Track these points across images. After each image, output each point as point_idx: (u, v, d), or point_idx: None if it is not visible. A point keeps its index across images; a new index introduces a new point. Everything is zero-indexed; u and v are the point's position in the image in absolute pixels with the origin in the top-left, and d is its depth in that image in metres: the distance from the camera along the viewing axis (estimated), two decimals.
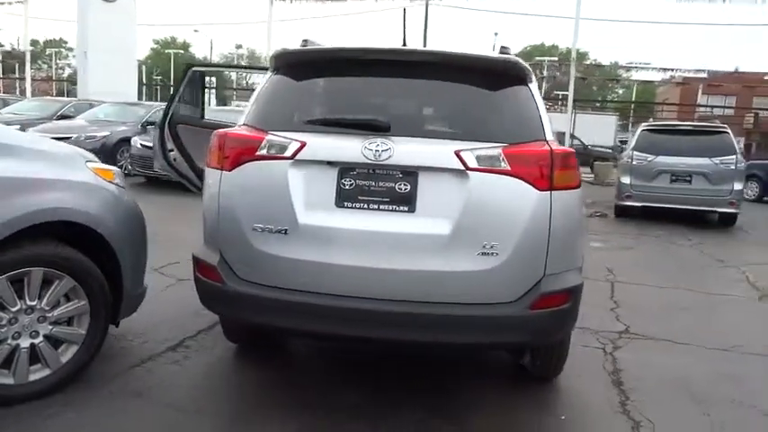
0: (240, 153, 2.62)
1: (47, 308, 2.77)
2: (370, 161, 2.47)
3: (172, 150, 4.15)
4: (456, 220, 2.42)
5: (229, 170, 2.64)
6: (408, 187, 2.48)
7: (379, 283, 2.47)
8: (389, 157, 2.45)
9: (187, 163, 4.15)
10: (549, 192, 2.46)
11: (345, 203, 2.51)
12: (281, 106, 2.81)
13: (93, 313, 2.90)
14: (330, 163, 2.54)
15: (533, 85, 2.72)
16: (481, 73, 2.67)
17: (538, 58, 42.24)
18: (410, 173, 2.49)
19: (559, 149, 2.51)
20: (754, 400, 3.17)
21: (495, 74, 2.67)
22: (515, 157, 2.44)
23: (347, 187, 2.52)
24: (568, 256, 2.58)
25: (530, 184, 2.44)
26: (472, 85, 2.67)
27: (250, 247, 2.58)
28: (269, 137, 2.59)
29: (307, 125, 2.65)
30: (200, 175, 4.11)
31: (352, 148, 2.50)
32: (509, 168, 2.43)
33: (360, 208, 2.50)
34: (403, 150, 2.46)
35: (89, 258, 2.86)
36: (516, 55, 2.78)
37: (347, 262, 2.47)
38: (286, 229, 2.52)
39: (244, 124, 2.78)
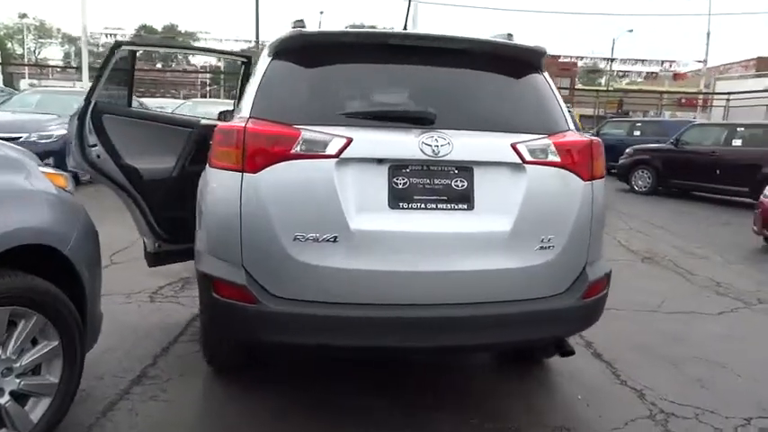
0: (271, 152, 2.25)
1: (13, 357, 2.16)
2: (427, 157, 2.28)
3: (94, 146, 3.46)
4: (515, 216, 2.34)
5: (255, 172, 2.26)
6: (465, 184, 2.34)
7: (442, 287, 2.31)
8: (449, 152, 2.29)
9: (113, 161, 3.49)
10: (591, 182, 2.49)
11: (401, 204, 2.29)
12: (302, 96, 2.46)
13: (67, 355, 2.32)
14: (380, 161, 2.30)
15: (546, 74, 2.72)
16: (513, 62, 2.59)
17: None
18: (465, 168, 2.34)
19: (595, 140, 2.55)
20: (712, 356, 3.59)
21: (526, 63, 2.61)
22: (564, 149, 2.43)
23: (400, 186, 2.30)
24: (600, 244, 2.65)
25: (576, 174, 2.45)
26: (506, 75, 2.59)
27: (290, 260, 2.24)
28: (306, 133, 2.26)
29: (342, 118, 2.35)
30: (130, 174, 3.50)
31: (406, 143, 2.29)
32: (559, 160, 2.41)
33: (416, 208, 2.30)
34: (459, 144, 2.30)
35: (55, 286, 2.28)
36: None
37: (407, 268, 2.27)
38: (335, 237, 2.24)
39: (252, 117, 2.38)
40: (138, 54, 3.77)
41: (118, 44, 3.36)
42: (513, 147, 2.36)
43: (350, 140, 2.24)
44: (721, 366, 3.45)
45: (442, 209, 2.32)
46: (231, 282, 2.29)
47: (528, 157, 2.36)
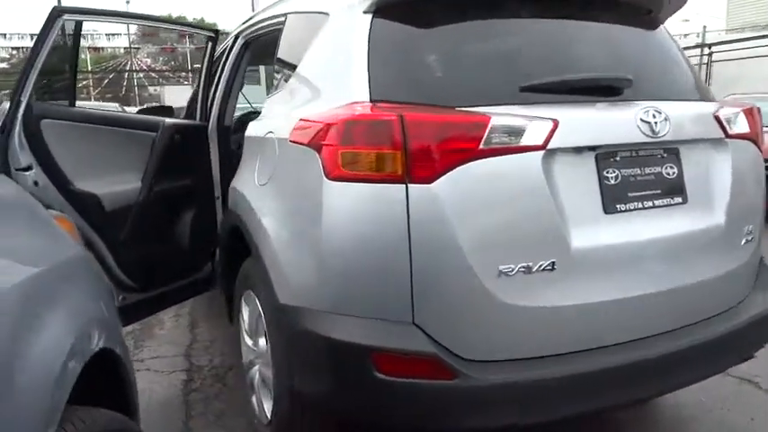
0: (452, 149, 1.50)
1: None
2: (646, 138, 1.69)
3: (28, 169, 2.30)
4: (726, 205, 1.85)
5: (428, 182, 1.49)
6: (675, 170, 1.79)
7: (675, 309, 1.75)
8: (667, 130, 1.72)
9: (59, 188, 2.38)
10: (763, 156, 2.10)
11: (617, 206, 1.68)
12: (439, 66, 1.71)
13: None
14: (591, 149, 1.66)
15: None
16: (651, 14, 2.07)
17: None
18: (672, 150, 1.79)
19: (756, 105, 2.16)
20: None
21: (656, 14, 2.10)
22: (748, 118, 1.99)
23: (612, 182, 1.68)
24: None
25: (758, 147, 2.04)
26: (653, 30, 2.06)
27: (494, 306, 1.53)
28: (497, 117, 1.54)
29: (510, 92, 1.66)
30: (85, 205, 2.43)
31: (621, 122, 1.67)
32: (748, 131, 1.97)
33: (633, 209, 1.70)
34: (672, 119, 1.75)
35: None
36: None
37: (635, 291, 1.68)
38: (553, 263, 1.56)
39: (376, 101, 1.61)
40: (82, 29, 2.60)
41: (59, 11, 2.22)
42: (716, 117, 1.86)
43: (556, 123, 1.57)
44: None
45: (659, 206, 1.75)
46: (409, 351, 1.50)
47: (730, 130, 1.89)
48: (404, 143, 1.49)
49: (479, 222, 1.52)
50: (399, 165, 1.49)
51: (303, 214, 1.70)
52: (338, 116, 1.60)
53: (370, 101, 1.62)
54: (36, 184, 2.31)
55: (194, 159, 2.94)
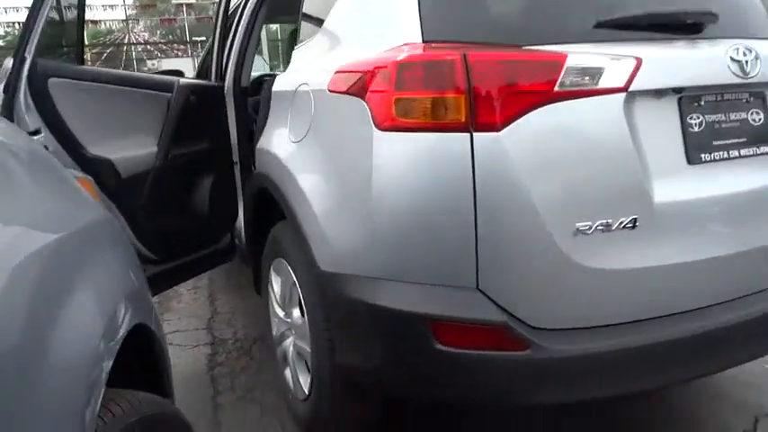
0: (523, 91, 1.32)
1: None
2: (737, 79, 1.50)
3: (36, 133, 2.12)
4: None
5: (496, 129, 1.31)
6: (761, 116, 1.60)
7: (760, 270, 1.59)
8: (758, 69, 1.52)
9: (71, 153, 2.20)
10: None
11: (701, 155, 1.49)
12: (498, 2, 1.52)
13: None
14: (675, 91, 1.47)
15: None
16: None
17: None
18: (758, 94, 1.60)
19: None
20: None
21: None
22: None
23: (696, 128, 1.50)
24: None
25: None
26: None
27: (570, 269, 1.36)
28: (573, 56, 1.35)
29: (584, 30, 1.46)
30: (100, 172, 2.26)
31: (709, 61, 1.48)
32: None
33: (718, 159, 1.52)
34: (761, 58, 1.55)
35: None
36: None
37: (727, 250, 1.51)
38: (635, 219, 1.39)
39: (427, 41, 1.41)
40: None
41: None
42: None
43: (639, 62, 1.38)
44: None
45: (745, 156, 1.56)
46: (475, 320, 1.34)
47: None
48: (468, 86, 1.31)
49: (554, 174, 1.34)
50: (463, 111, 1.31)
51: (349, 171, 1.52)
52: (389, 59, 1.41)
53: (423, 41, 1.43)
54: (46, 149, 2.13)
55: (211, 122, 2.75)
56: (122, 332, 0.91)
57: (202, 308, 3.23)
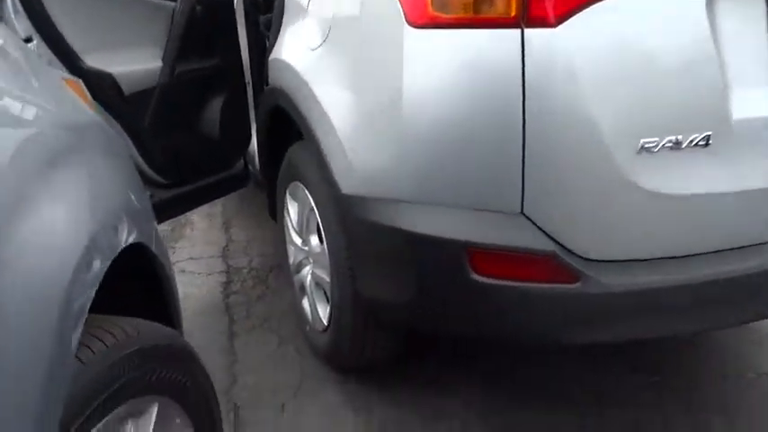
0: None
1: None
2: None
3: (28, 41, 1.93)
4: None
5: (552, 25, 1.11)
6: None
7: None
8: None
9: (67, 65, 2.02)
10: None
11: None
12: None
13: None
14: None
15: None
16: None
17: None
18: None
19: None
20: None
21: None
22: None
23: None
24: None
25: None
26: None
27: (630, 191, 1.18)
28: None
29: None
30: (100, 87, 2.08)
31: None
32: None
33: None
34: None
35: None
36: None
37: None
38: (708, 137, 1.20)
39: None
40: None
41: None
42: None
43: None
44: None
45: None
46: (519, 248, 1.19)
47: None
48: None
49: (619, 80, 1.14)
50: (513, 2, 1.10)
51: (376, 78, 1.33)
52: None
53: None
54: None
55: (220, 36, 2.53)
56: (110, 252, 0.77)
57: (217, 235, 3.12)
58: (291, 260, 2.08)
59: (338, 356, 1.80)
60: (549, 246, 1.18)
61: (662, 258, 1.25)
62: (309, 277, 1.92)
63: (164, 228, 3.16)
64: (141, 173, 2.28)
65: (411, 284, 1.35)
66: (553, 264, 1.18)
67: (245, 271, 2.70)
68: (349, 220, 1.47)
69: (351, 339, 1.68)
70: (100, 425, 0.77)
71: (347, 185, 1.45)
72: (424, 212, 1.26)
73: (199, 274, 2.68)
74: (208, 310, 2.37)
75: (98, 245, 0.73)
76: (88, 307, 0.69)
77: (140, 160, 2.27)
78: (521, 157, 1.16)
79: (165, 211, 2.50)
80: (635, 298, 1.22)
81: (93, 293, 0.71)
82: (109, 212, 0.81)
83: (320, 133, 1.55)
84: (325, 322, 1.81)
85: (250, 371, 1.97)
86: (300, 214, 1.91)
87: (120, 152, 1.11)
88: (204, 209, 3.30)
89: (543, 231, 1.20)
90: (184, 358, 1.00)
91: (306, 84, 1.63)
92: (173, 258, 2.87)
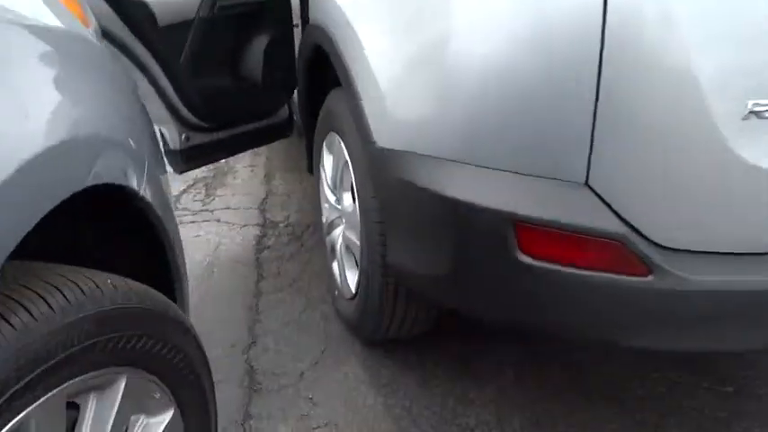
0: None
1: None
2: None
3: None
4: None
5: None
6: None
7: None
8: None
9: None
10: None
11: None
12: None
13: None
14: None
15: None
16: None
17: None
18: None
19: None
20: None
21: None
22: None
23: None
24: None
25: None
26: None
27: (728, 165, 0.94)
28: None
29: None
30: (134, 17, 1.94)
31: None
32: None
33: None
34: None
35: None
36: None
37: None
38: None
39: None
40: None
41: None
42: None
43: None
44: None
45: None
46: (580, 228, 0.97)
47: None
48: None
49: (723, 29, 0.88)
50: None
51: (423, 19, 1.11)
52: None
53: None
54: None
55: None
56: (56, 187, 0.61)
57: (257, 187, 3.00)
58: (324, 219, 1.92)
59: (364, 327, 1.64)
60: (618, 228, 0.95)
61: (760, 254, 1.01)
62: (341, 239, 1.76)
63: (205, 174, 3.07)
64: (175, 112, 2.17)
65: (446, 258, 1.16)
66: (621, 250, 0.95)
67: (281, 225, 2.57)
68: (382, 178, 1.28)
69: (378, 310, 1.52)
70: (35, 405, 0.63)
71: (381, 137, 1.26)
72: (465, 175, 1.06)
73: (234, 224, 2.57)
74: (238, 263, 2.25)
75: (32, 172, 0.57)
76: (6, 253, 0.54)
77: (175, 99, 2.14)
78: (592, 114, 0.93)
79: (201, 156, 2.38)
80: (720, 301, 0.98)
81: (17, 236, 0.55)
82: (61, 138, 0.64)
83: (356, 79, 1.35)
84: (353, 289, 1.65)
85: (272, 333, 1.85)
86: (335, 169, 1.74)
87: (113, 78, 0.95)
88: (248, 158, 3.19)
89: (612, 209, 0.97)
90: (165, 326, 0.85)
91: (348, 22, 1.43)
92: (210, 206, 2.77)
